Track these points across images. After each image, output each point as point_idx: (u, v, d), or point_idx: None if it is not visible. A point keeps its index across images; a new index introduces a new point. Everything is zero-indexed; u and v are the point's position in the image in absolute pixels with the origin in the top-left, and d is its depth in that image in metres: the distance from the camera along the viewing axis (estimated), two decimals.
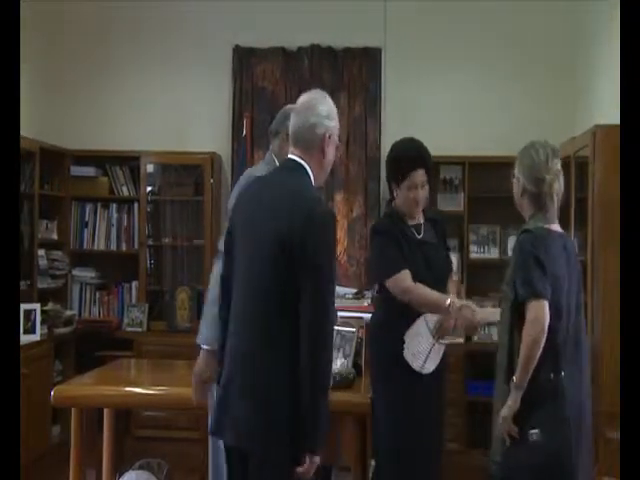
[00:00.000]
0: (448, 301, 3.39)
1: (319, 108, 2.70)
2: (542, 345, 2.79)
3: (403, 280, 3.45)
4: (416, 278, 3.45)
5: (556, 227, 3.02)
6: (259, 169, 3.33)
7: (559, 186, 3.01)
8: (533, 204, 3.03)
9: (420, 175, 3.53)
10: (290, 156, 2.72)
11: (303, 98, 2.77)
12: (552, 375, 2.84)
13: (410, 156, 3.56)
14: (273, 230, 2.54)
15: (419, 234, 3.61)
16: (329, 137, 2.69)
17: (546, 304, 2.81)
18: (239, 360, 2.60)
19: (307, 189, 2.65)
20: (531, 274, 2.83)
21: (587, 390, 2.99)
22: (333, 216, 2.66)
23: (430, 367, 3.47)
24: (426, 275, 3.48)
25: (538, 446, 2.80)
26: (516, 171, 3.09)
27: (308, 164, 2.68)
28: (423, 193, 3.57)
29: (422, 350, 3.44)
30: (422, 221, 3.65)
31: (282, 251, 2.51)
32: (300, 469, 2.48)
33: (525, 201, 3.06)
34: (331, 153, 2.74)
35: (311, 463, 2.48)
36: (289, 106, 3.30)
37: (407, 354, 3.44)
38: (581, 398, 2.92)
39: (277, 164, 3.18)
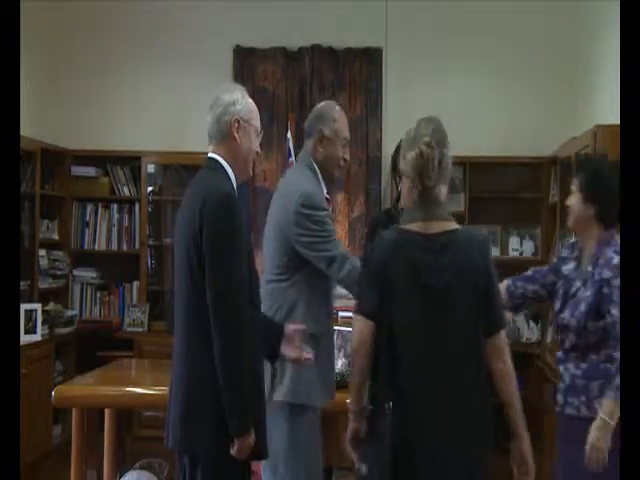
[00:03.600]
0: None
1: (222, 98, 2.67)
2: (361, 365, 2.49)
3: None
4: None
5: (428, 225, 2.50)
6: (298, 170, 3.31)
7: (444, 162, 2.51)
8: (415, 188, 2.53)
9: None
10: (208, 154, 2.69)
11: (214, 94, 2.73)
12: (386, 406, 2.44)
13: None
14: (184, 230, 2.55)
15: None
16: (238, 122, 2.64)
17: (365, 322, 2.48)
18: (175, 362, 2.65)
19: (213, 182, 2.58)
20: (361, 287, 2.57)
21: (451, 426, 2.43)
22: (230, 197, 2.52)
23: None
24: None
25: None
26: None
27: (225, 157, 2.64)
28: None
29: None
30: None
31: (192, 248, 2.48)
32: (232, 451, 2.45)
33: (409, 194, 2.59)
34: (246, 138, 2.67)
35: (241, 446, 2.45)
36: (321, 105, 3.32)
37: None
38: (429, 436, 2.42)
39: (312, 163, 3.19)
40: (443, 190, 2.54)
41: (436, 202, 2.51)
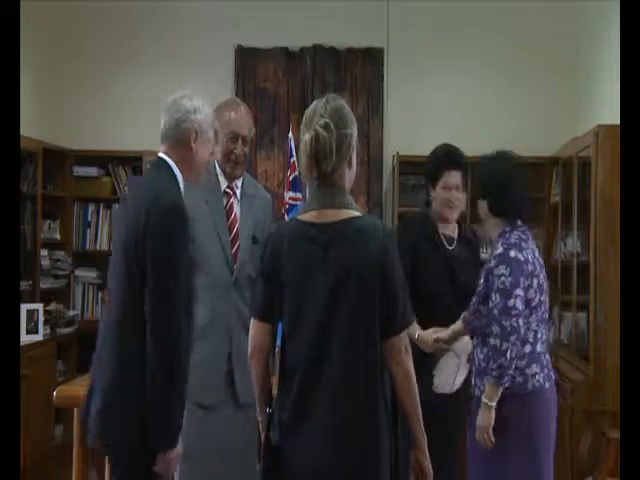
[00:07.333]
0: (416, 335, 3.22)
1: (184, 103, 2.67)
2: (258, 373, 2.30)
3: None
4: (437, 290, 3.32)
5: (323, 214, 2.26)
6: None
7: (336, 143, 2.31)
8: (311, 174, 2.32)
9: (454, 176, 3.53)
10: (159, 154, 2.64)
11: (171, 97, 2.72)
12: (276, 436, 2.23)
13: (445, 156, 3.57)
14: (124, 233, 2.48)
15: (450, 246, 3.50)
16: (196, 132, 2.61)
17: (259, 325, 2.28)
18: (99, 364, 2.58)
19: (160, 185, 2.51)
20: (253, 288, 2.36)
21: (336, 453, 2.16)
22: (176, 207, 2.44)
23: (458, 384, 3.29)
24: (448, 289, 3.34)
25: None
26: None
27: (176, 162, 2.59)
28: (458, 195, 3.53)
29: (451, 372, 3.30)
30: (455, 235, 3.55)
31: (132, 254, 2.41)
32: (155, 468, 2.37)
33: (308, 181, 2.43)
34: (202, 147, 2.64)
35: (165, 460, 2.38)
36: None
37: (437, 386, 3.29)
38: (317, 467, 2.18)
39: None
40: (346, 175, 2.34)
41: (334, 188, 2.28)
